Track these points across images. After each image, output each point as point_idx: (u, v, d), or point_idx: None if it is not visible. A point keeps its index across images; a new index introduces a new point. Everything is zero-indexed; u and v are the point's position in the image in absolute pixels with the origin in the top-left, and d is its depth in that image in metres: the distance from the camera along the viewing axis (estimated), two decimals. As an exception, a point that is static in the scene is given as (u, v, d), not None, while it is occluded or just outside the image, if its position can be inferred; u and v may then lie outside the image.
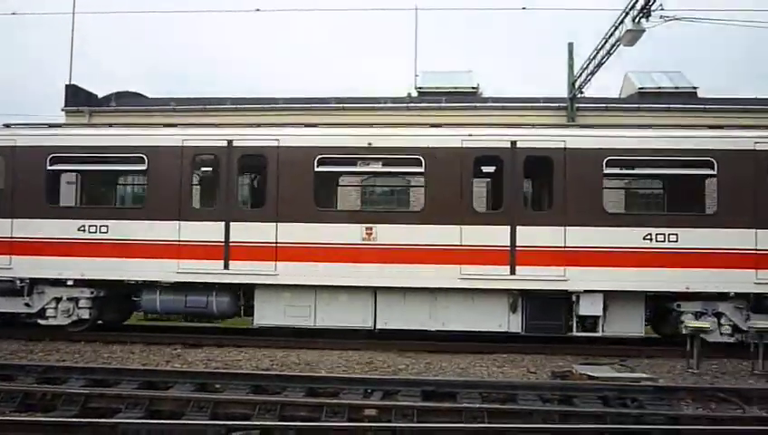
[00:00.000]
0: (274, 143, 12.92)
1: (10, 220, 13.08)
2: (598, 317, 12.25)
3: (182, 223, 12.84)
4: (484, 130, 13.26)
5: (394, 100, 24.31)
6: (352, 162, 13.70)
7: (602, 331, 12.32)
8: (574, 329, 12.44)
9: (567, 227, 12.22)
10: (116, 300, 13.67)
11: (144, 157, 13.10)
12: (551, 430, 6.72)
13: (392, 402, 8.05)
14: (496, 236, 12.32)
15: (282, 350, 12.23)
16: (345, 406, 7.80)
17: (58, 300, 13.26)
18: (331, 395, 8.74)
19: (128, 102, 24.65)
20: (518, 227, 12.30)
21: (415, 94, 26.13)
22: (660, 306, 12.60)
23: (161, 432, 6.86)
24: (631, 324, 12.45)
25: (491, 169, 14.16)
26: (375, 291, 12.79)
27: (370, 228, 12.64)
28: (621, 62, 38.24)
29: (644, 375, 10.09)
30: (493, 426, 6.94)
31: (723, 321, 12.16)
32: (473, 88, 26.80)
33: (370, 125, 14.19)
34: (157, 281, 12.99)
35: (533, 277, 12.22)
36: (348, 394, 8.68)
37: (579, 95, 23.17)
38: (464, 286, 12.46)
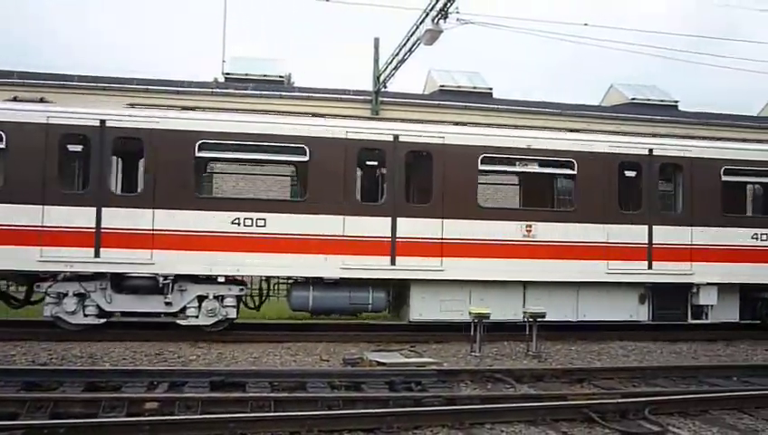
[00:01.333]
0: (439, 141, 12.96)
1: (152, 210, 11.99)
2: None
3: (347, 218, 12.44)
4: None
5: (199, 84, 23.64)
6: (512, 162, 13.84)
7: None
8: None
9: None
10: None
11: (305, 147, 12.50)
12: (333, 416, 6.82)
13: (176, 395, 7.80)
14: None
15: (63, 343, 11.43)
16: (125, 400, 7.45)
17: (201, 298, 12.26)
18: (112, 389, 8.33)
19: None
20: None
21: (222, 80, 25.56)
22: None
23: None
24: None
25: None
26: (524, 285, 13.22)
27: (530, 226, 13.16)
28: (438, 61, 39.80)
29: (430, 360, 10.58)
30: (279, 415, 6.92)
31: None
32: (280, 76, 26.63)
33: (529, 127, 14.46)
34: (321, 278, 12.47)
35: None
36: (131, 388, 8.31)
37: (383, 89, 23.74)
38: (609, 280, 13.41)
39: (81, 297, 11.96)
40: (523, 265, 13.04)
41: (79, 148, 12.55)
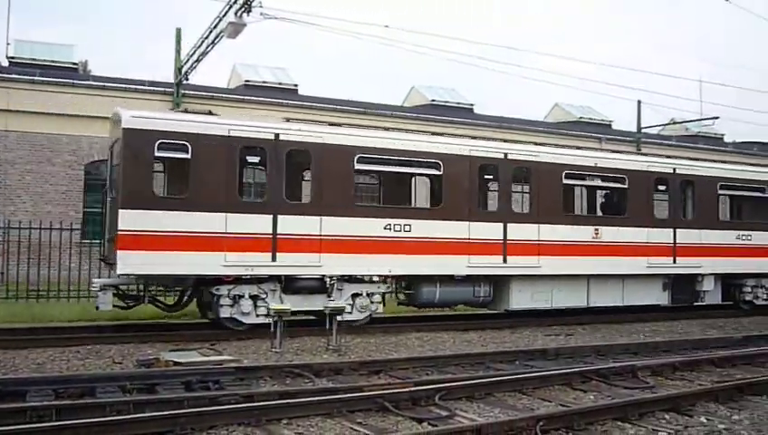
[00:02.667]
0: (534, 158, 15.58)
1: (319, 217, 13.11)
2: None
3: (471, 223, 14.47)
4: None
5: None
6: (583, 177, 16.73)
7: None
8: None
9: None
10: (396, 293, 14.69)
11: (440, 163, 14.31)
12: (119, 422, 6.49)
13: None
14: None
15: None
16: None
17: (354, 296, 13.59)
18: None
19: None
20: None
21: (6, 64, 23.54)
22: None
23: None
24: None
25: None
26: (588, 278, 15.92)
27: (598, 229, 15.93)
28: (247, 55, 39.07)
29: (229, 357, 10.40)
30: (59, 424, 6.46)
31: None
32: (73, 63, 24.99)
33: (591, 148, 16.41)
34: (451, 275, 14.45)
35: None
36: None
37: (185, 81, 22.99)
38: (651, 273, 16.73)
39: (254, 299, 12.85)
40: (591, 261, 15.76)
41: (256, 159, 13.61)
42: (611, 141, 33.61)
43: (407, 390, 7.98)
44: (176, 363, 9.78)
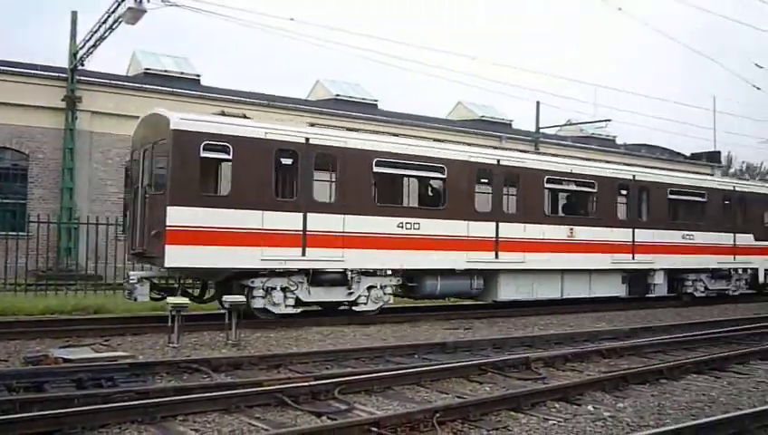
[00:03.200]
0: (522, 164, 17.44)
1: (343, 216, 14.14)
2: None
3: (470, 223, 16.03)
4: None
5: None
6: (561, 182, 18.47)
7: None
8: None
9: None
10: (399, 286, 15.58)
11: (444, 167, 15.69)
12: (6, 422, 6.20)
13: None
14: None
15: None
16: None
17: (370, 288, 14.73)
18: None
19: None
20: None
21: None
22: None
23: None
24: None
25: None
26: (563, 272, 17.66)
27: (572, 229, 17.78)
28: (149, 44, 37.89)
29: (123, 353, 10.09)
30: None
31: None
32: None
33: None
34: (452, 269, 15.78)
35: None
36: None
37: (80, 67, 22.11)
38: (614, 268, 18.73)
39: (284, 290, 13.78)
40: (565, 257, 17.54)
41: (289, 161, 13.96)
42: (511, 140, 34.57)
43: (306, 384, 7.97)
44: (66, 360, 9.42)
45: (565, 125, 38.92)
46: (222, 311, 12.38)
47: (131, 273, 13.61)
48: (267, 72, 71.53)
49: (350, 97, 33.45)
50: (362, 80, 35.63)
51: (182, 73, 28.19)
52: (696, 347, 12.18)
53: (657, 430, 6.34)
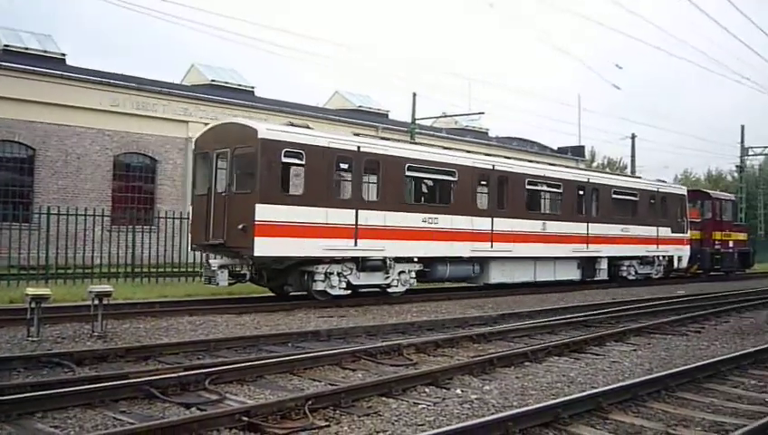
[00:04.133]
0: (510, 169, 20.89)
1: (384, 213, 16.86)
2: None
3: (473, 218, 19.05)
4: None
5: None
6: (537, 184, 21.88)
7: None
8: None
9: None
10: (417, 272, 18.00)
11: (455, 171, 18.70)
12: None
13: None
14: None
15: None
16: None
17: (400, 273, 17.47)
18: None
19: None
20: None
21: None
22: None
23: None
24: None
25: None
26: (535, 260, 21.07)
27: (544, 223, 21.33)
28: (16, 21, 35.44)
29: (-24, 349, 9.48)
30: None
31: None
32: None
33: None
34: (460, 256, 18.77)
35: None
36: None
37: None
38: (573, 256, 22.47)
39: (339, 275, 16.22)
40: (536, 247, 20.90)
41: (345, 166, 16.59)
42: (388, 130, 34.99)
43: (175, 375, 7.78)
44: None
45: (440, 117, 39.78)
46: (88, 303, 11.84)
47: (212, 261, 15.43)
48: (140, 55, 68.87)
49: (226, 83, 32.82)
50: (239, 66, 34.96)
51: (45, 52, 26.73)
52: (558, 331, 12.82)
53: (522, 410, 6.62)
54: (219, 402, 7.16)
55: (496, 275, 20.07)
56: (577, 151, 49.49)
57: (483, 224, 19.33)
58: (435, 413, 6.90)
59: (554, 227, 21.63)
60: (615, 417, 6.87)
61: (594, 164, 69.75)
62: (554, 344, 10.78)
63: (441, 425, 6.38)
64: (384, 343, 10.45)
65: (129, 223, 21.64)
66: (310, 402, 6.77)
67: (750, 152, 53.36)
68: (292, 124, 16.27)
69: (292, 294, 16.72)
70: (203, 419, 6.20)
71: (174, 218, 20.74)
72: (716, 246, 31.25)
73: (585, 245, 22.81)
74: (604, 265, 23.91)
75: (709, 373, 8.84)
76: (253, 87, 33.54)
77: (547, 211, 23.09)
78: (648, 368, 9.52)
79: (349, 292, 16.49)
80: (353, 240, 16.20)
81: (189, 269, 20.55)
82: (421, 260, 17.94)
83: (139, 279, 19.86)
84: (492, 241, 19.56)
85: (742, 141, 52.25)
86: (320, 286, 15.94)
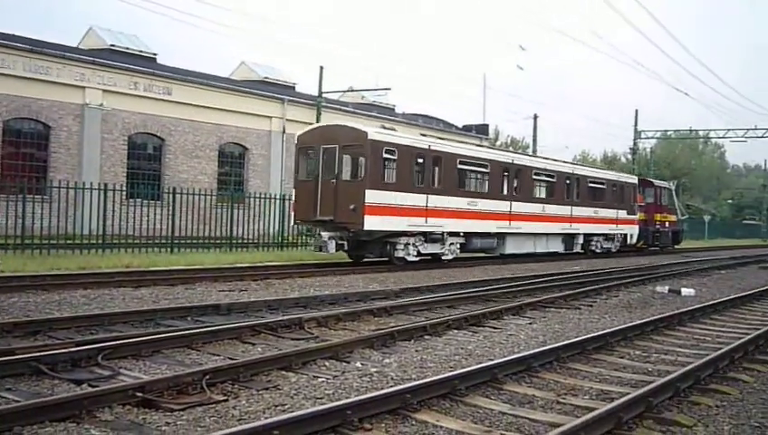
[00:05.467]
0: (522, 162, 26.99)
1: (443, 197, 21.73)
2: None
3: (498, 201, 24.55)
4: None
5: None
6: (540, 174, 27.68)
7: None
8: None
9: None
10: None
11: (488, 164, 24.32)
12: None
13: None
14: None
15: None
16: None
17: (451, 244, 22.66)
18: None
19: None
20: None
21: None
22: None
23: None
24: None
25: None
26: (535, 236, 26.88)
27: (544, 207, 26.99)
28: None
29: None
30: None
31: None
32: None
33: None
34: (488, 232, 24.23)
35: None
36: None
37: None
38: (560, 232, 28.44)
39: (413, 246, 21.17)
40: (533, 224, 26.52)
41: (420, 160, 21.24)
42: (293, 103, 34.59)
43: (65, 350, 7.48)
44: None
45: (347, 91, 39.63)
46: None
47: (323, 233, 19.74)
48: (33, 15, 65.26)
49: (127, 48, 31.54)
50: (141, 31, 33.67)
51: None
52: (458, 305, 13.09)
53: (420, 382, 6.72)
54: (112, 378, 6.94)
55: (511, 247, 25.44)
56: (481, 130, 50.41)
57: (504, 206, 24.65)
58: (334, 386, 6.93)
59: (550, 209, 27.15)
60: (509, 388, 7.09)
61: (498, 143, 71.28)
62: (454, 318, 11.01)
63: (340, 398, 6.41)
64: (285, 317, 10.40)
65: (18, 192, 20.47)
66: (207, 377, 6.65)
67: (642, 135, 55.82)
68: (384, 127, 22.58)
69: (365, 260, 21.57)
70: (93, 395, 5.98)
71: (69, 188, 19.89)
72: (657, 226, 37.43)
73: (569, 224, 28.49)
74: (581, 240, 29.87)
75: (598, 344, 9.24)
76: (155, 54, 32.41)
77: (544, 196, 27.77)
78: (542, 340, 9.87)
79: (419, 258, 21.21)
80: (425, 218, 20.98)
81: (85, 241, 19.78)
82: (464, 234, 22.81)
83: (30, 251, 19.00)
84: (510, 220, 24.80)
85: (635, 125, 54.59)
86: (400, 253, 20.71)
